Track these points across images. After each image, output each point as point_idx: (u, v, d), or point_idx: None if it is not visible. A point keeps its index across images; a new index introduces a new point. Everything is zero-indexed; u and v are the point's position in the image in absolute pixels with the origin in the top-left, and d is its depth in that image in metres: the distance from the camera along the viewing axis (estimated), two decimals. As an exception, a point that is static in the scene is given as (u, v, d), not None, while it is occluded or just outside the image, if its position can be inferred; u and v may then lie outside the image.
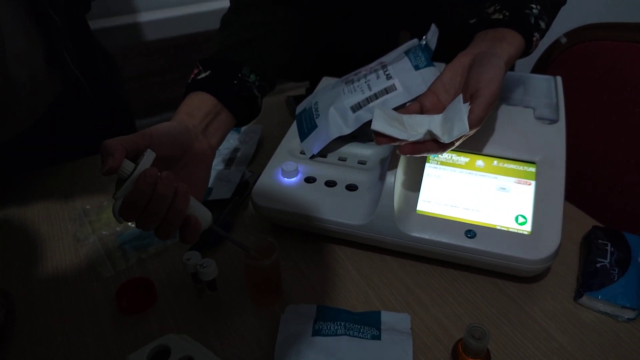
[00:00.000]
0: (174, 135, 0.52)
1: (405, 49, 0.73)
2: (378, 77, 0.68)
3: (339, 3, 0.87)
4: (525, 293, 0.60)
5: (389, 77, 0.67)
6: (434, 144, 0.54)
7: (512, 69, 0.96)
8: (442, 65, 0.70)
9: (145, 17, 1.37)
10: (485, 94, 0.55)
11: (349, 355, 0.52)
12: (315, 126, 0.70)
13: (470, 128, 0.53)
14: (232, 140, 0.86)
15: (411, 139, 0.54)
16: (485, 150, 0.66)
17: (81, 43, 0.82)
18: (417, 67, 0.67)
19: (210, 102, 0.59)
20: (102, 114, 0.85)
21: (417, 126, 0.57)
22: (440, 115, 0.57)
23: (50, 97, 0.79)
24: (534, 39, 0.62)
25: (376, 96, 0.67)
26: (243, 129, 0.88)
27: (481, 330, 0.46)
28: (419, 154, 0.55)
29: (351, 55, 0.88)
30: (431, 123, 0.56)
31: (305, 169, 0.68)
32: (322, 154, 0.70)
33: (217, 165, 0.79)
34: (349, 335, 0.54)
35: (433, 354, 0.54)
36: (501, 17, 0.63)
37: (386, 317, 0.57)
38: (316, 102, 0.73)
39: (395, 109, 0.61)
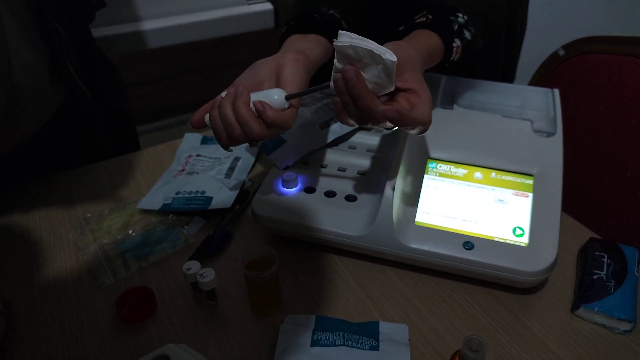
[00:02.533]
0: (255, 75, 0.57)
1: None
2: None
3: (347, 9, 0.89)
4: (522, 304, 0.61)
5: None
6: None
7: (510, 80, 0.96)
8: None
9: (147, 25, 1.38)
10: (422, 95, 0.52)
11: (347, 366, 0.52)
12: (283, 141, 0.72)
13: (426, 124, 0.51)
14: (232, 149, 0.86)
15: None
16: (484, 162, 0.66)
17: (84, 53, 0.83)
18: None
19: (294, 35, 0.66)
20: (104, 123, 0.86)
21: None
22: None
23: (54, 107, 0.79)
24: (454, 45, 0.62)
25: None
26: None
27: (478, 343, 0.47)
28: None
29: None
30: None
31: (305, 179, 0.69)
32: (323, 164, 0.71)
33: (217, 174, 0.80)
34: (347, 345, 0.54)
35: (431, 365, 0.54)
36: (424, 19, 0.64)
37: (384, 327, 0.57)
38: None
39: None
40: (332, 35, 0.64)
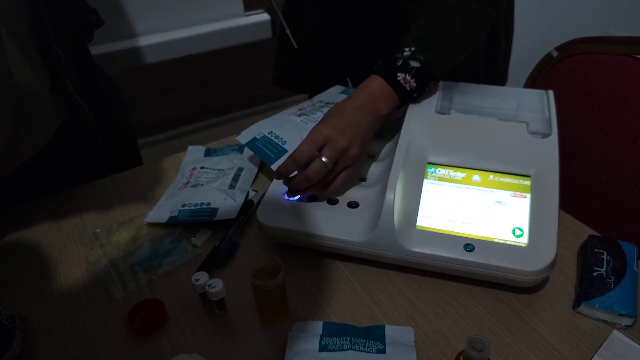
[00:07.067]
0: None
1: (336, 93, 0.89)
2: None
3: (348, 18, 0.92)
4: (524, 303, 0.62)
5: None
6: None
7: (503, 83, 0.98)
8: None
9: (145, 40, 1.40)
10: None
11: (355, 370, 0.53)
12: (285, 150, 0.75)
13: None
14: (235, 160, 0.88)
15: None
16: (481, 165, 0.68)
17: (84, 72, 0.84)
18: None
19: None
20: (106, 138, 0.88)
21: None
22: None
23: (56, 125, 0.80)
24: (399, 77, 0.69)
25: None
26: (246, 149, 0.90)
27: (482, 342, 0.48)
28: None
29: (353, 69, 0.91)
30: None
31: (307, 188, 0.70)
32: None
33: (221, 185, 0.81)
34: (354, 349, 0.55)
35: (437, 365, 0.56)
36: (375, 66, 0.72)
37: (390, 331, 0.59)
38: (270, 132, 0.79)
39: None
40: None
